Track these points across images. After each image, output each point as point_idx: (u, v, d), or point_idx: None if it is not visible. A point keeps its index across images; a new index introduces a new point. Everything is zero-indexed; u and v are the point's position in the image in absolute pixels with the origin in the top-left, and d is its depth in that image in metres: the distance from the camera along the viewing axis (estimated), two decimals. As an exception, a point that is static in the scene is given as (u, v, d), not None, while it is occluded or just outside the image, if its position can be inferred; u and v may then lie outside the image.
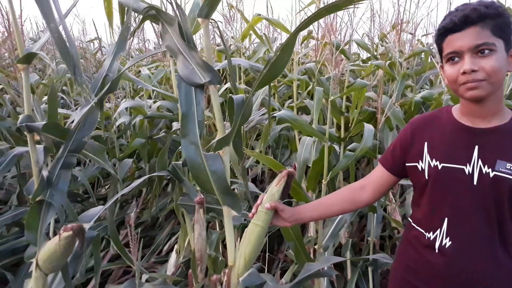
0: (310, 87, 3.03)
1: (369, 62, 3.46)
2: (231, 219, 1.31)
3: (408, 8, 4.90)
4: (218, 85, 1.29)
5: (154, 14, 1.34)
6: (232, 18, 3.39)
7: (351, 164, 2.19)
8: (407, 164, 1.27)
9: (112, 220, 1.62)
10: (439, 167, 1.16)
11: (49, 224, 1.71)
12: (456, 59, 1.08)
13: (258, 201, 1.29)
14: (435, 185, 1.18)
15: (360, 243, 2.94)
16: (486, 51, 1.03)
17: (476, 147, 1.12)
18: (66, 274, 1.36)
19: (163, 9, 1.51)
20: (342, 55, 2.48)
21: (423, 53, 3.56)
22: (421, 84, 3.56)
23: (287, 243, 2.13)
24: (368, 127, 2.04)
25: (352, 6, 1.05)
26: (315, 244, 2.18)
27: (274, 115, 1.91)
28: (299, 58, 3.00)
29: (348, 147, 2.24)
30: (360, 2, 1.03)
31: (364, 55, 4.70)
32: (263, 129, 2.65)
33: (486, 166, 1.10)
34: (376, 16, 4.08)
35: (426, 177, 1.19)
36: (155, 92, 3.34)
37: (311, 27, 2.90)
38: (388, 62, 3.08)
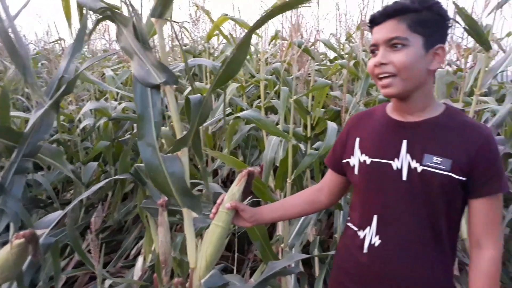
0: (277, 87, 3.04)
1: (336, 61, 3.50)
2: (191, 221, 1.30)
3: (372, 8, 4.99)
4: (175, 85, 1.27)
5: (110, 15, 1.32)
6: (198, 19, 3.37)
7: (316, 163, 2.20)
8: (343, 161, 1.25)
9: (72, 226, 1.58)
10: (368, 162, 1.14)
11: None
12: (376, 52, 1.08)
13: (219, 201, 1.28)
14: (365, 181, 1.17)
15: (328, 240, 2.97)
16: (399, 46, 1.03)
17: (405, 141, 1.09)
18: (21, 283, 1.32)
19: (125, 9, 1.48)
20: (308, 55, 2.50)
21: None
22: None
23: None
24: (331, 125, 2.06)
25: (305, 5, 1.05)
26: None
27: (238, 115, 1.90)
28: (266, 58, 3.00)
29: (314, 146, 2.26)
30: (311, 1, 1.03)
31: (332, 55, 4.77)
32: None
33: (414, 161, 1.07)
34: (343, 16, 4.14)
35: (356, 173, 1.18)
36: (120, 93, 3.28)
37: (279, 27, 2.91)
38: (353, 61, 3.12)
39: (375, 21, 1.08)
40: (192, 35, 4.03)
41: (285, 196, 2.36)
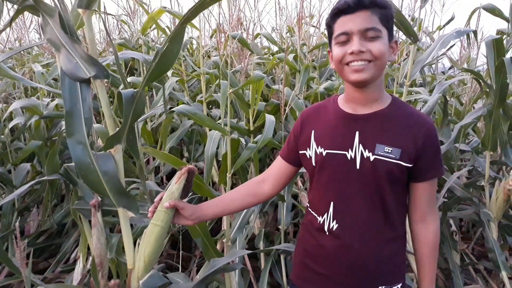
0: (217, 81, 3.01)
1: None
2: (127, 221, 1.25)
3: (312, 2, 5.07)
4: (106, 80, 1.21)
5: (32, 5, 1.22)
6: (134, 12, 3.25)
7: (255, 156, 2.21)
8: (299, 152, 1.30)
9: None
10: (324, 153, 1.20)
11: None
12: (346, 40, 1.11)
13: (157, 200, 1.24)
14: (322, 171, 1.23)
15: (274, 232, 3.00)
16: (374, 36, 1.08)
17: (357, 132, 1.17)
18: None
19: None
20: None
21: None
22: (327, 75, 3.71)
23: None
24: (270, 118, 2.07)
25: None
26: (229, 237, 2.18)
27: (172, 109, 1.86)
28: (206, 51, 2.95)
29: (255, 139, 2.26)
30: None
31: (276, 49, 4.81)
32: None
33: (366, 151, 1.15)
34: (284, 10, 4.17)
35: (314, 164, 1.24)
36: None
37: (220, 20, 2.87)
38: (293, 55, 3.15)
39: (346, 10, 1.10)
40: (131, 28, 3.89)
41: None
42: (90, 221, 1.74)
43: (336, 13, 1.13)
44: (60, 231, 2.97)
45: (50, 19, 1.20)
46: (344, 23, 1.11)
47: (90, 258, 2.16)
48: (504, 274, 2.28)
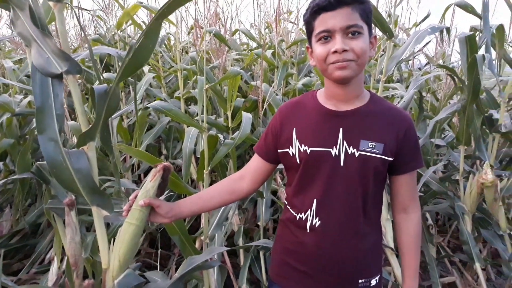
0: (195, 77, 2.99)
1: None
2: (102, 220, 1.22)
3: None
4: (79, 75, 1.18)
5: (1, -4, 1.18)
6: (109, 7, 3.18)
7: (233, 153, 2.20)
8: (279, 151, 1.29)
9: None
10: (308, 151, 1.19)
11: None
12: (328, 38, 1.10)
13: (131, 198, 1.21)
14: (306, 168, 1.22)
15: (254, 228, 3.00)
16: (356, 33, 1.08)
17: (341, 129, 1.17)
18: None
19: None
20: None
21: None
22: (305, 72, 3.71)
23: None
24: (246, 115, 2.06)
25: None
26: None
27: (147, 106, 1.83)
28: (183, 47, 2.92)
29: (233, 136, 2.25)
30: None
31: (254, 45, 4.80)
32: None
33: (351, 147, 1.15)
34: (262, 6, 4.16)
35: (298, 162, 1.22)
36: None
37: (197, 16, 2.84)
38: (272, 51, 3.15)
39: (327, 7, 1.09)
40: (106, 24, 3.83)
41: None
42: (64, 221, 1.70)
43: (316, 11, 1.12)
44: (35, 231, 2.90)
45: (21, 13, 1.17)
46: (326, 21, 1.10)
47: (65, 258, 2.12)
48: (478, 266, 2.34)
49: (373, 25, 1.43)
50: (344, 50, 1.08)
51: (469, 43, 2.12)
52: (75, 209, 1.36)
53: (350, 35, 1.09)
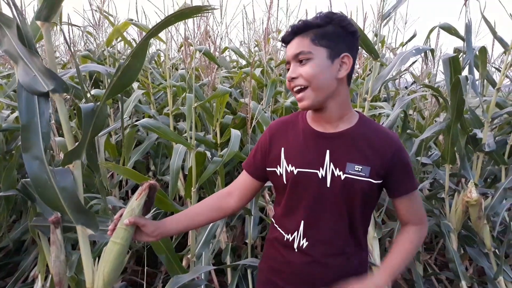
0: (184, 94, 3.00)
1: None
2: (86, 238, 1.21)
3: (279, 17, 5.16)
4: (65, 93, 1.18)
5: (-11, 15, 1.19)
6: (99, 23, 3.20)
7: (221, 170, 2.20)
8: (267, 169, 1.29)
9: None
10: (295, 172, 1.20)
11: None
12: (288, 68, 1.17)
13: (116, 216, 1.20)
14: (293, 189, 1.22)
15: (242, 246, 2.99)
16: (304, 60, 1.12)
17: (328, 151, 1.17)
18: None
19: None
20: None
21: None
22: (294, 89, 3.74)
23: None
24: (235, 132, 2.08)
25: (200, 15, 1.05)
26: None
27: (136, 123, 1.83)
28: (173, 63, 2.94)
29: (221, 153, 2.26)
30: (207, 11, 1.02)
31: (244, 62, 4.85)
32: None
33: (337, 169, 1.16)
34: (252, 24, 4.22)
35: (285, 182, 1.22)
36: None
37: (188, 34, 2.87)
38: (261, 69, 3.19)
39: (285, 40, 1.17)
40: (96, 40, 3.84)
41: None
42: (49, 238, 1.68)
43: (283, 44, 1.21)
44: (19, 248, 2.85)
45: (8, 30, 1.17)
46: (286, 52, 1.18)
47: (50, 276, 2.08)
48: (463, 284, 2.36)
49: (360, 46, 1.45)
50: (293, 78, 1.14)
51: (453, 64, 2.17)
52: (60, 227, 1.35)
53: (300, 62, 1.13)
